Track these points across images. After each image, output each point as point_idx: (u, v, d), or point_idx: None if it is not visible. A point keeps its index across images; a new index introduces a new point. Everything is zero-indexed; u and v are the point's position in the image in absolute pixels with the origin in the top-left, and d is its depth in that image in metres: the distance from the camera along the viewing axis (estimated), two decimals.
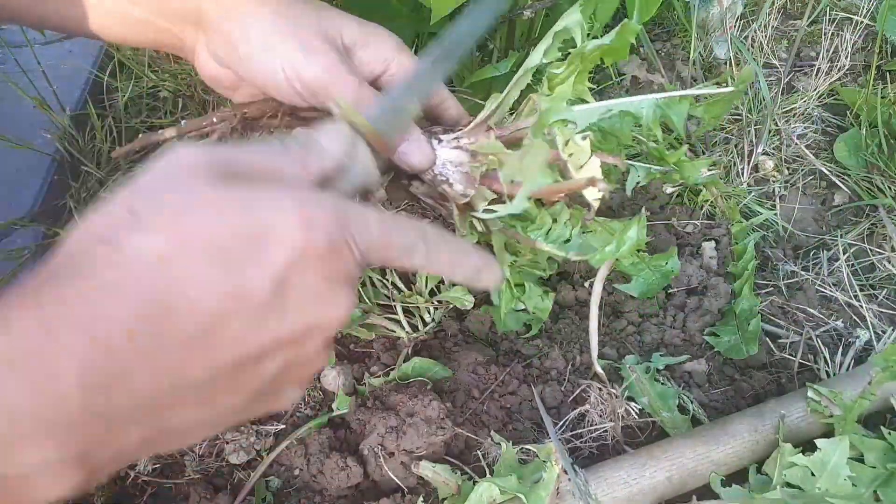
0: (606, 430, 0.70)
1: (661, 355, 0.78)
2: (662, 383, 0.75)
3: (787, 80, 1.09)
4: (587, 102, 0.57)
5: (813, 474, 0.58)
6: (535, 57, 0.55)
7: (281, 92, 0.55)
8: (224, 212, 0.35)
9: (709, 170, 0.96)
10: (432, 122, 0.60)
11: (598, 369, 0.75)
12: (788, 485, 0.61)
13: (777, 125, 1.02)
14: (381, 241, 0.40)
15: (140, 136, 0.61)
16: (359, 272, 0.40)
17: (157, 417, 0.34)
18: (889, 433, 0.65)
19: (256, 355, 0.36)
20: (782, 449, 0.62)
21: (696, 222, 0.93)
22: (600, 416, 0.72)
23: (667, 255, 0.78)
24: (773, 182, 0.99)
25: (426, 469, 0.66)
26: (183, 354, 0.34)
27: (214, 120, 0.56)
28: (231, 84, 0.59)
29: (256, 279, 0.34)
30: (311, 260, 0.36)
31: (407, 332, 0.79)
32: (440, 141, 0.57)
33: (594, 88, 0.62)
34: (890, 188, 0.94)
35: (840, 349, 0.79)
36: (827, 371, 0.78)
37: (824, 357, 0.78)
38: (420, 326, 0.80)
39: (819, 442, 0.59)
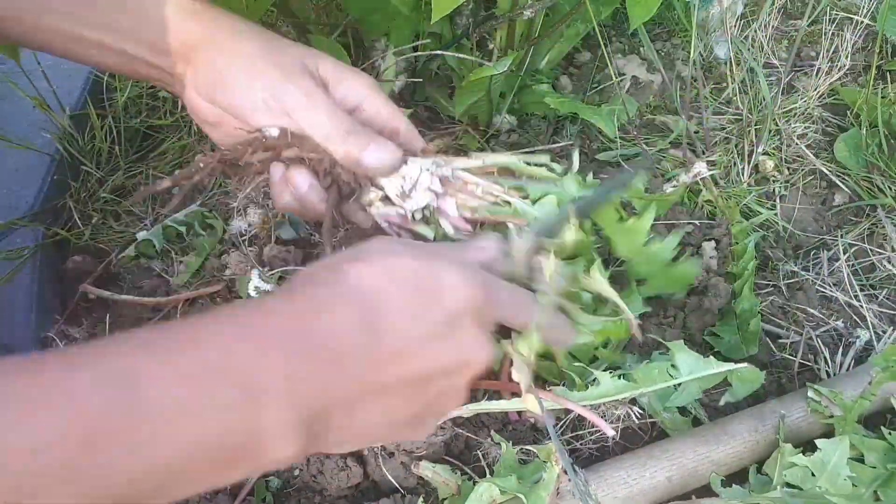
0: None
1: (660, 354, 0.78)
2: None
3: (787, 79, 1.09)
4: None
5: (813, 474, 0.58)
6: None
7: (260, 116, 0.59)
8: (418, 260, 0.47)
9: (709, 169, 0.96)
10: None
11: None
12: (788, 485, 0.61)
13: (777, 125, 1.02)
14: (511, 303, 0.53)
15: (142, 188, 0.75)
16: (495, 327, 0.51)
17: (351, 409, 0.42)
18: (889, 433, 0.65)
19: (427, 375, 0.45)
20: (782, 449, 0.62)
21: (696, 222, 0.93)
22: (600, 416, 0.72)
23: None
24: (774, 182, 0.98)
25: (426, 469, 0.66)
26: (380, 361, 0.43)
27: (201, 165, 0.61)
28: (215, 119, 0.61)
29: (438, 314, 0.45)
30: (472, 308, 0.47)
31: None
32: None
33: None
34: (890, 188, 0.94)
35: (840, 349, 0.79)
36: (827, 371, 0.78)
37: (825, 357, 0.78)
38: None
39: (819, 442, 0.59)
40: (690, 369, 0.66)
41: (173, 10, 0.58)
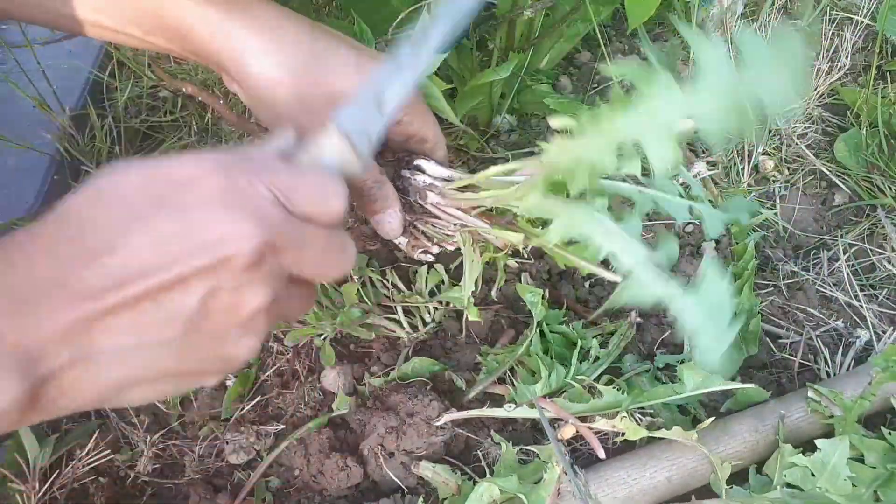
0: (607, 434, 0.70)
1: (661, 353, 0.78)
2: (663, 382, 0.75)
3: None
4: None
5: (813, 474, 0.58)
6: None
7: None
8: (142, 172, 0.39)
9: (709, 169, 0.96)
10: (412, 152, 0.61)
11: None
12: (789, 485, 0.61)
13: (777, 125, 1.02)
14: (288, 178, 0.42)
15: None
16: (270, 203, 0.41)
17: (84, 334, 0.36)
18: (889, 433, 0.65)
19: (165, 281, 0.37)
20: (782, 450, 0.62)
21: (696, 221, 0.93)
22: (600, 416, 0.72)
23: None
24: (774, 182, 0.98)
25: (426, 469, 0.66)
26: (96, 275, 0.36)
27: None
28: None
29: (158, 213, 0.38)
30: (207, 188, 0.39)
31: (407, 332, 0.79)
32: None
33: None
34: (890, 188, 0.94)
35: (840, 349, 0.79)
36: (827, 371, 0.78)
37: (824, 357, 0.78)
38: (420, 326, 0.80)
39: (819, 442, 0.59)
40: (696, 385, 0.66)
41: (197, 22, 0.54)
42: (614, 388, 0.68)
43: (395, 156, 0.61)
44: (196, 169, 0.40)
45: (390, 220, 0.59)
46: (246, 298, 0.40)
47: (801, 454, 0.61)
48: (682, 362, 0.78)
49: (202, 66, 0.62)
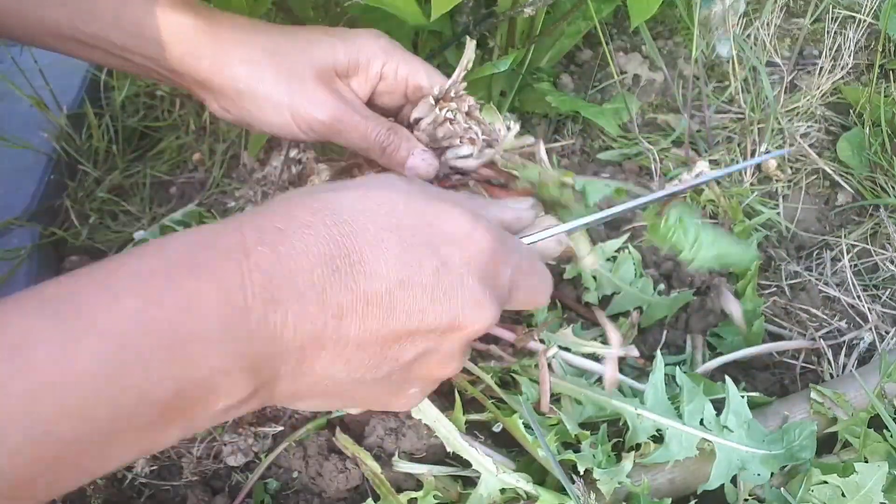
0: None
1: (663, 353, 0.78)
2: (666, 384, 0.74)
3: (790, 78, 1.08)
4: None
5: (844, 495, 0.58)
6: None
7: (294, 136, 0.59)
8: (422, 197, 0.40)
9: (711, 169, 0.96)
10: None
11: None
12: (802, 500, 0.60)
13: (780, 124, 1.02)
14: (527, 273, 0.44)
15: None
16: (506, 292, 0.43)
17: (303, 356, 0.37)
18: (891, 436, 0.64)
19: (406, 332, 0.38)
20: (811, 471, 0.61)
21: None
22: None
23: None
24: (776, 181, 0.98)
25: (426, 471, 0.65)
26: (344, 307, 0.36)
27: None
28: (245, 126, 0.62)
29: (432, 261, 0.38)
30: (477, 263, 0.40)
31: None
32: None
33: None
34: (893, 188, 0.93)
35: (843, 350, 0.79)
36: (831, 373, 0.77)
37: (828, 358, 0.78)
38: None
39: (858, 466, 0.58)
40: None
41: (171, 30, 0.56)
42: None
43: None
44: (469, 224, 0.40)
45: (423, 159, 0.59)
46: (449, 367, 0.42)
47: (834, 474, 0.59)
48: (684, 363, 0.78)
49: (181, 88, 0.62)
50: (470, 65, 0.62)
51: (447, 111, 0.61)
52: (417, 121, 0.62)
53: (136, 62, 0.58)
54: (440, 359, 0.41)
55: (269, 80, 0.56)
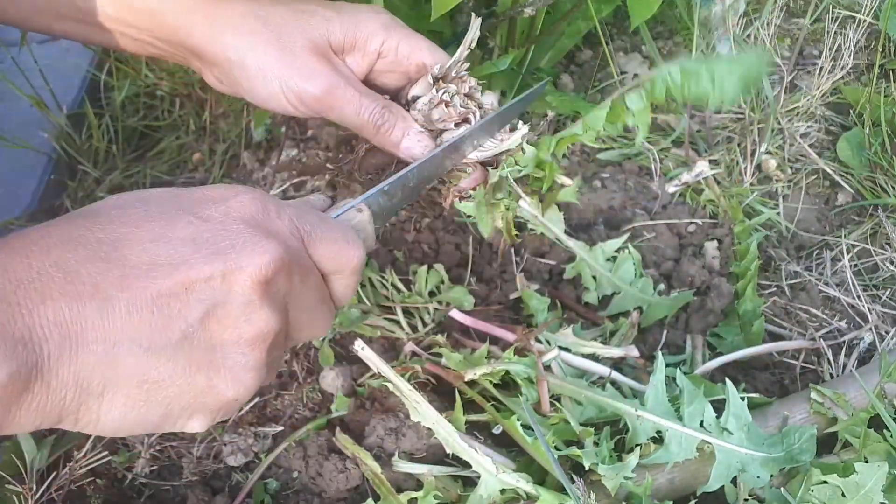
0: None
1: (663, 353, 0.78)
2: (666, 385, 0.74)
3: (790, 78, 1.08)
4: None
5: (843, 495, 0.58)
6: None
7: (284, 110, 0.58)
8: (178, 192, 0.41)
9: (711, 169, 0.96)
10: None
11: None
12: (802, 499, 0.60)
13: (780, 124, 1.02)
14: (317, 222, 0.44)
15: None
16: (293, 240, 0.42)
17: (74, 324, 0.35)
18: (891, 436, 0.64)
19: (176, 283, 0.36)
20: (811, 471, 0.61)
21: (698, 221, 0.92)
22: None
23: None
24: (777, 181, 0.98)
25: (426, 471, 0.65)
26: (104, 271, 0.35)
27: None
28: (240, 97, 0.61)
29: (179, 218, 0.38)
30: (236, 209, 0.40)
31: (406, 332, 0.78)
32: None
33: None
34: (893, 188, 0.93)
35: (843, 350, 0.79)
36: (831, 373, 0.77)
37: (828, 358, 0.78)
38: (420, 327, 0.79)
39: (858, 466, 0.58)
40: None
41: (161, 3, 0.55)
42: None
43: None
44: (228, 191, 0.40)
45: (419, 140, 0.59)
46: (253, 320, 0.38)
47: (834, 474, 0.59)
48: (684, 363, 0.78)
49: (174, 60, 0.62)
50: (474, 43, 0.61)
51: (444, 93, 0.59)
52: (415, 98, 0.61)
53: (131, 35, 0.57)
54: (236, 310, 0.37)
55: (260, 50, 0.55)
